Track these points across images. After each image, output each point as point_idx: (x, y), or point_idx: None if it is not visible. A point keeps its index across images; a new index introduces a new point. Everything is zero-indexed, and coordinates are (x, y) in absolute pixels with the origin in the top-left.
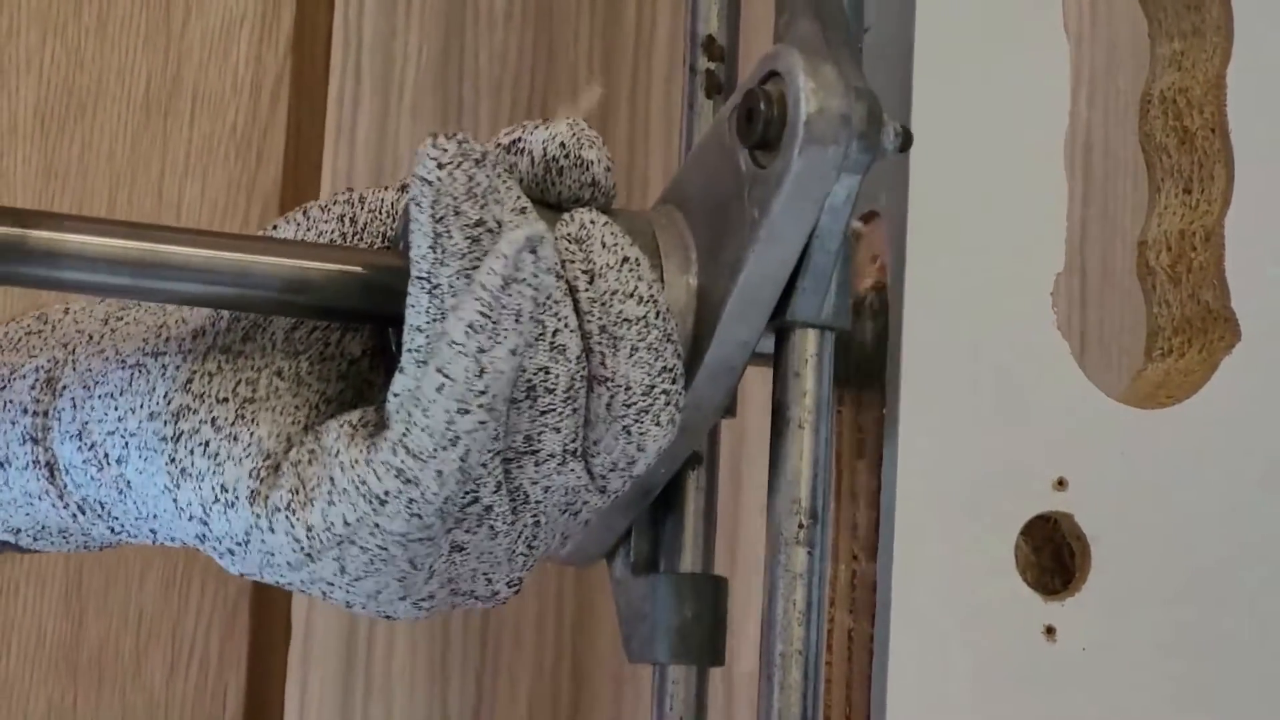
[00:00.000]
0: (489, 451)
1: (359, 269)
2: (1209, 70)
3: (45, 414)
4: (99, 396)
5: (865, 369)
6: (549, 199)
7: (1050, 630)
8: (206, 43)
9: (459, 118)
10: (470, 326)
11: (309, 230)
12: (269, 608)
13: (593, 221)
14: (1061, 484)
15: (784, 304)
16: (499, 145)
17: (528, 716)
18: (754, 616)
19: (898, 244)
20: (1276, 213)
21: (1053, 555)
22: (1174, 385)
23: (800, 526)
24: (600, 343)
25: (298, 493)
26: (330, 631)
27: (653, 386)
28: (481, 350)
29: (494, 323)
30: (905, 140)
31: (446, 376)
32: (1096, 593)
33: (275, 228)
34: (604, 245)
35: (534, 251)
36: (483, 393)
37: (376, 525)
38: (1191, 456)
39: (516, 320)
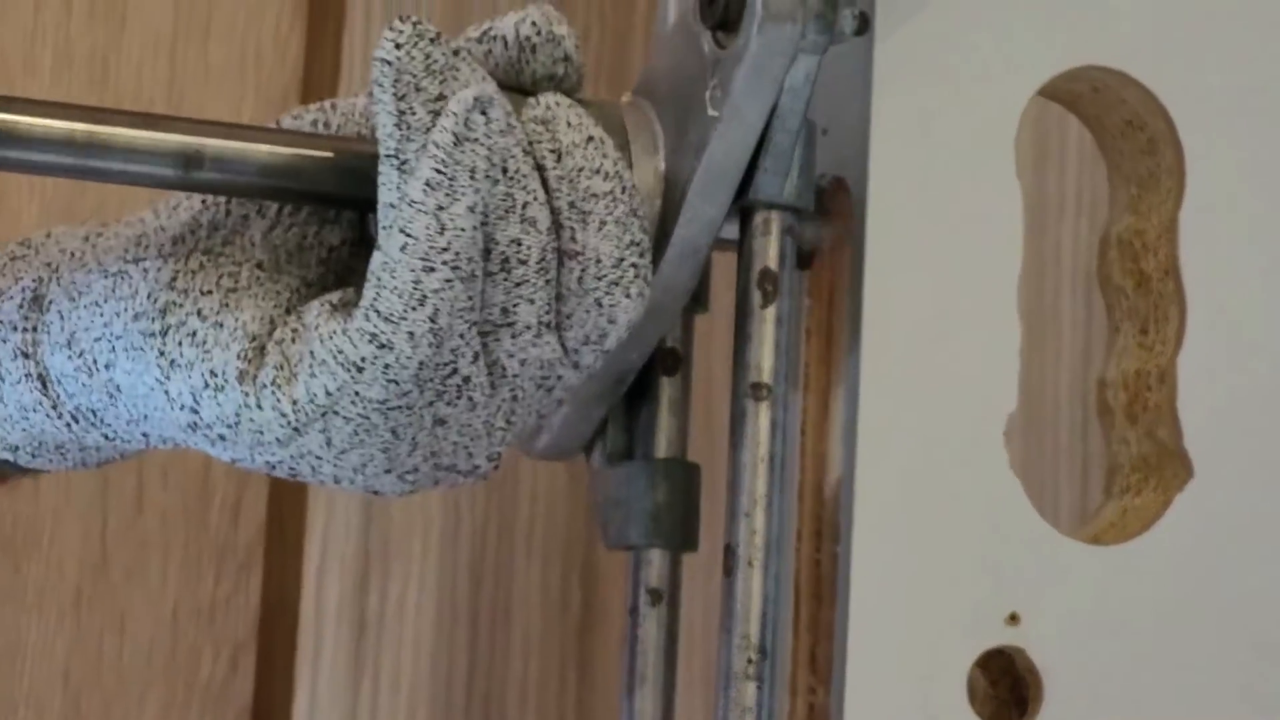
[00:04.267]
0: (462, 318)
1: (332, 153)
2: (1163, 214)
3: (34, 329)
4: (84, 306)
5: None
6: (523, 81)
7: None
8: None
9: None
10: (427, 184)
11: None
12: None
13: (558, 103)
14: (1014, 619)
15: (747, 184)
16: (469, 38)
17: None
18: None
19: (851, 379)
20: (1226, 352)
21: (1011, 689)
22: (1128, 522)
23: (749, 661)
24: (570, 218)
25: (282, 369)
26: None
27: (622, 259)
28: (440, 207)
29: (450, 179)
30: (862, 24)
31: (409, 235)
32: None
33: None
34: (569, 125)
35: (484, 112)
36: (445, 249)
37: (357, 393)
38: (1143, 592)
39: (472, 177)
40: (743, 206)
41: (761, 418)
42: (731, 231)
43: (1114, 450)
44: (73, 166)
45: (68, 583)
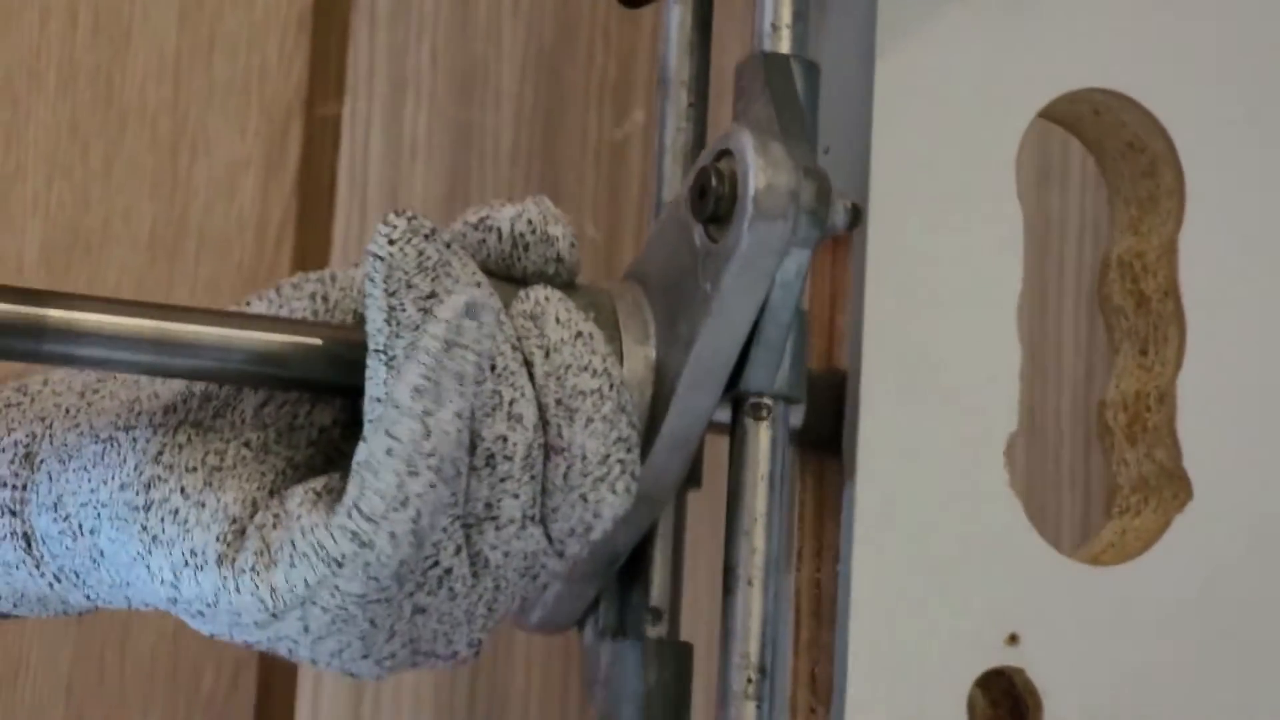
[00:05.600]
0: (445, 514)
1: (322, 342)
2: (1163, 235)
3: (23, 487)
4: (73, 469)
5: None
6: (515, 274)
7: None
8: (212, 183)
9: None
10: (415, 390)
11: (281, 307)
12: None
13: (547, 298)
14: (1014, 639)
15: (739, 375)
16: (467, 223)
17: None
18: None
19: (852, 400)
20: (1225, 373)
21: (1011, 709)
22: (1128, 542)
23: (749, 681)
24: (556, 415)
25: (262, 555)
26: None
27: (608, 455)
28: (427, 413)
29: (437, 385)
30: (854, 217)
31: (394, 438)
32: None
33: (248, 304)
34: (558, 321)
35: (474, 317)
36: (430, 454)
37: (336, 587)
38: (1142, 613)
39: (460, 383)
40: (734, 396)
41: (761, 437)
42: (725, 414)
43: (1114, 471)
44: (33, 352)
45: None
